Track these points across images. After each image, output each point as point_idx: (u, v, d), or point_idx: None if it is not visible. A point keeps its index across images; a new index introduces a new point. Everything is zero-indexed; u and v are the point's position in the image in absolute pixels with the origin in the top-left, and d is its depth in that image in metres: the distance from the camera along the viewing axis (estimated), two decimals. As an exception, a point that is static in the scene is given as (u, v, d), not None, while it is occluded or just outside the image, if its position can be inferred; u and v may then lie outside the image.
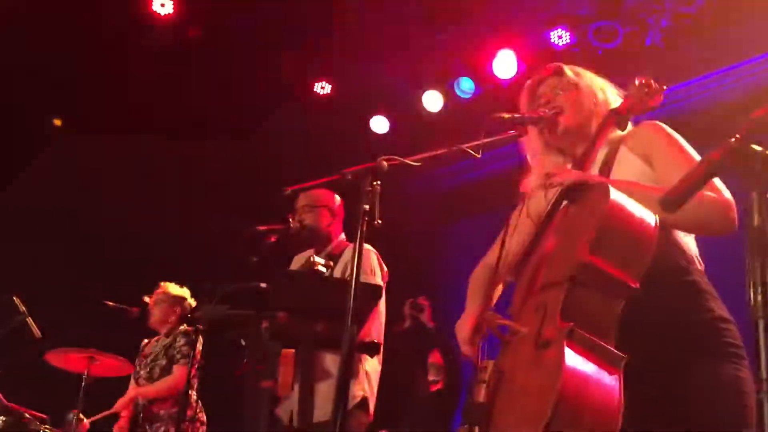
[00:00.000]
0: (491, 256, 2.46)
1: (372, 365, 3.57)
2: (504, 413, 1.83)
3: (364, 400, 3.44)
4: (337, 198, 3.90)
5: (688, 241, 2.06)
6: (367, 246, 3.35)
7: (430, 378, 6.21)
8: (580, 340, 1.70)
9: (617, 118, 2.15)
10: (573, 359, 1.66)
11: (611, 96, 2.26)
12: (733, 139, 1.04)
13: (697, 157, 1.95)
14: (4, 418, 4.16)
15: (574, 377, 1.64)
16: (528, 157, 2.37)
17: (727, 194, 1.95)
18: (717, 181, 1.96)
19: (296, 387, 3.30)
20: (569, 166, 2.24)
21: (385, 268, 3.68)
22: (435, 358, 6.18)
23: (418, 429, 5.99)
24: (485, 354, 2.03)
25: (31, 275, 5.69)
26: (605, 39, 5.55)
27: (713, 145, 1.19)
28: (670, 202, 1.17)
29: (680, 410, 1.82)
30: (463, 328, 2.21)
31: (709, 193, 1.93)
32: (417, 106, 6.62)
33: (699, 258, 2.06)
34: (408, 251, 6.56)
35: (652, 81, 2.09)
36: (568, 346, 1.67)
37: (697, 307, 1.93)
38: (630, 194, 1.87)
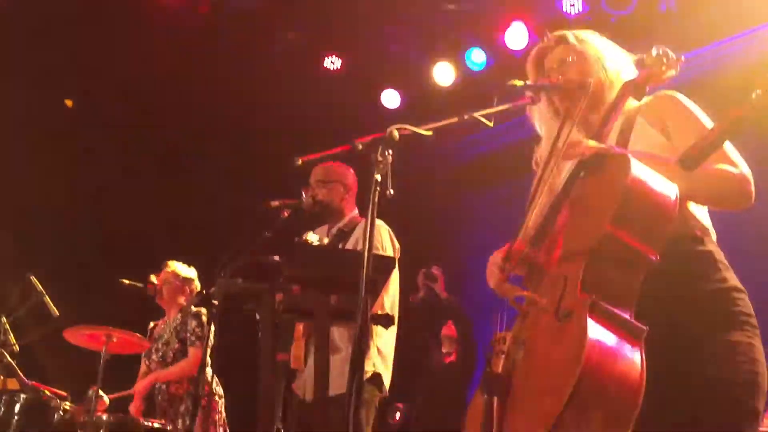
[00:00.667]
0: None
1: (385, 341, 3.57)
2: (524, 384, 1.83)
3: (376, 376, 3.45)
4: (351, 172, 3.88)
5: (702, 213, 2.05)
6: (379, 221, 3.35)
7: (444, 350, 6.22)
8: (602, 312, 1.70)
9: (634, 88, 2.12)
10: (596, 331, 1.66)
11: (621, 60, 2.23)
12: (755, 95, 1.01)
13: None
14: (24, 396, 4.21)
15: (597, 349, 1.64)
16: (537, 126, 2.35)
17: (745, 168, 1.94)
18: (735, 155, 1.95)
19: (310, 362, 3.32)
20: (584, 137, 2.21)
21: (397, 245, 3.66)
22: (448, 329, 6.18)
23: (432, 401, 6.01)
24: (503, 325, 2.02)
25: (47, 254, 5.73)
26: (618, 6, 5.48)
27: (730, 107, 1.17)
28: (691, 159, 1.15)
29: (693, 378, 1.83)
30: (491, 263, 2.15)
31: (728, 166, 1.92)
32: (428, 79, 6.58)
33: (713, 229, 2.05)
34: (421, 223, 6.57)
35: (669, 51, 2.05)
36: (590, 318, 1.67)
37: (710, 277, 1.94)
38: (648, 165, 1.86)
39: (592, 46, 2.24)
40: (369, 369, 3.43)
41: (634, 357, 1.67)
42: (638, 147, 2.02)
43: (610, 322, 1.70)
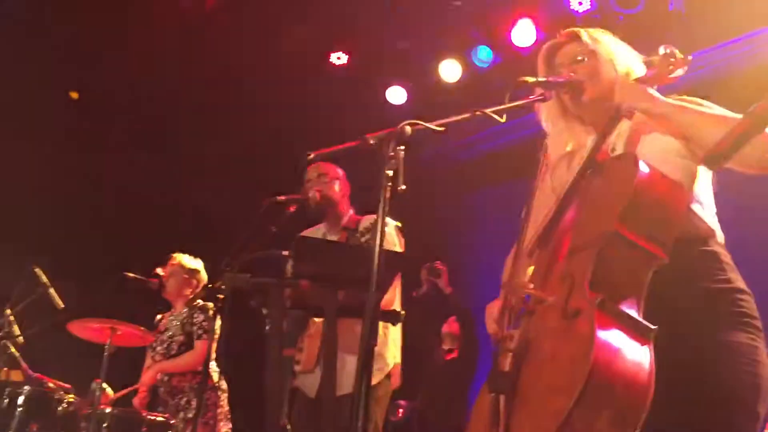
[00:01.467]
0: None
1: (396, 334, 3.60)
2: (531, 382, 1.82)
3: (396, 368, 3.49)
4: (344, 172, 3.92)
5: (708, 214, 2.04)
6: (389, 219, 3.35)
7: (445, 347, 6.21)
8: (610, 311, 1.70)
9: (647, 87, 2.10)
10: (604, 330, 1.66)
11: (632, 61, 2.21)
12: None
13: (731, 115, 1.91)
14: (28, 387, 4.21)
15: (606, 348, 1.63)
16: (545, 125, 2.33)
17: None
18: None
19: (321, 361, 3.32)
20: (590, 138, 2.21)
21: (403, 241, 3.67)
22: (449, 327, 6.17)
23: (433, 398, 6.01)
24: (510, 323, 2.01)
25: (52, 246, 5.73)
26: (626, 4, 5.45)
27: (744, 110, 1.16)
28: (717, 157, 1.13)
29: (693, 379, 1.81)
30: (489, 311, 2.20)
31: None
32: (434, 76, 6.56)
33: (720, 231, 2.04)
34: (425, 218, 6.56)
35: (677, 51, 2.03)
36: (599, 316, 1.67)
37: (714, 277, 1.93)
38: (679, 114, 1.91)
39: (605, 46, 2.22)
40: (390, 362, 3.46)
41: (642, 356, 1.66)
42: (648, 147, 2.01)
43: (619, 320, 1.70)
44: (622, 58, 2.20)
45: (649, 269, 1.79)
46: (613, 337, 1.66)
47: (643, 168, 1.84)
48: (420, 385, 6.15)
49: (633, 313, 1.73)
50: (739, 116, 1.89)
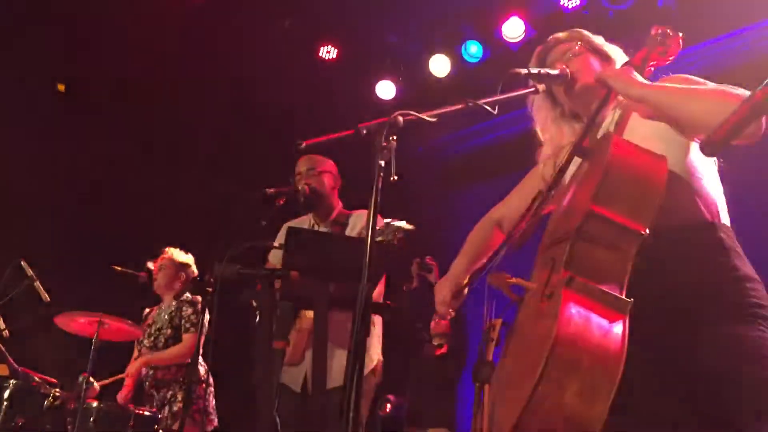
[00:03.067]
0: (496, 211, 2.46)
1: (379, 330, 3.59)
2: (512, 368, 1.84)
3: (379, 364, 3.47)
4: (331, 162, 3.91)
5: (715, 193, 1.98)
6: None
7: (435, 342, 6.19)
8: (579, 287, 1.69)
9: (632, 69, 2.09)
10: (569, 305, 1.65)
11: (623, 59, 2.22)
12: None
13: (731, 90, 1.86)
14: (14, 381, 4.18)
15: (570, 322, 1.63)
16: (535, 116, 2.33)
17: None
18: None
19: (307, 354, 3.31)
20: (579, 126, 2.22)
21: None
22: (437, 326, 6.14)
23: (422, 393, 6.00)
24: (493, 313, 2.02)
25: (38, 238, 5.68)
26: (616, 1, 5.46)
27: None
28: (713, 145, 1.12)
29: (692, 373, 1.76)
30: (443, 289, 2.29)
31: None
32: (424, 71, 6.55)
33: (726, 212, 1.98)
34: (417, 214, 6.55)
35: (669, 30, 2.01)
36: (565, 294, 1.67)
37: (721, 266, 1.85)
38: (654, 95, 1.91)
39: (597, 44, 2.24)
40: (375, 358, 3.45)
41: (612, 329, 1.65)
42: (637, 131, 2.00)
43: (588, 296, 1.68)
44: (615, 56, 2.21)
45: (631, 245, 1.75)
46: (579, 312, 1.65)
47: (618, 144, 1.83)
48: (408, 379, 6.13)
49: (611, 289, 1.70)
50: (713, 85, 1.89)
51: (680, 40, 1.99)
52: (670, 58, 2.02)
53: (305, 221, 3.83)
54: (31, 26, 6.01)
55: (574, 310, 1.65)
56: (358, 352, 1.82)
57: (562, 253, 1.78)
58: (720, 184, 2.03)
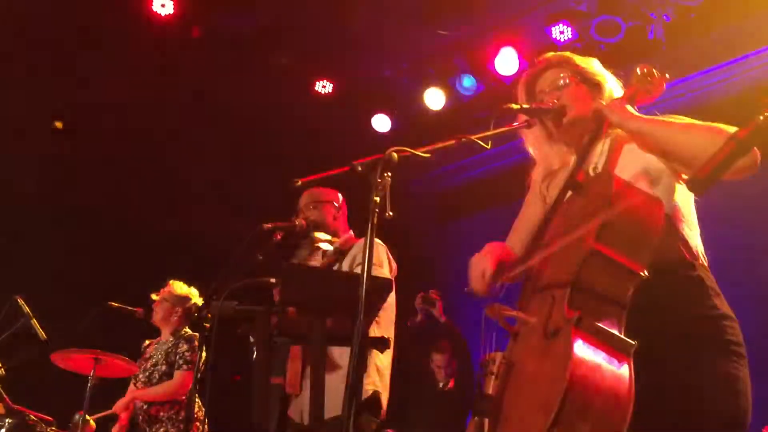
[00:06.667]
0: (510, 240, 2.44)
1: (383, 360, 3.55)
2: (513, 404, 1.83)
3: (376, 395, 3.42)
4: (340, 195, 3.91)
5: (693, 236, 2.04)
6: (376, 240, 3.34)
7: (440, 377, 6.12)
8: (588, 328, 1.69)
9: (627, 102, 2.11)
10: (581, 347, 1.66)
11: (613, 84, 2.25)
12: (762, 117, 1.02)
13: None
14: (9, 420, 4.14)
15: (583, 365, 1.63)
16: (531, 150, 2.35)
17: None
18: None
19: (305, 384, 3.28)
20: (572, 158, 2.24)
21: (394, 263, 3.66)
22: (441, 360, 6.07)
23: (429, 428, 5.93)
24: (493, 346, 2.02)
25: (35, 276, 5.67)
26: (607, 34, 5.54)
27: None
28: (698, 183, 1.15)
29: (676, 402, 1.81)
30: (481, 264, 2.10)
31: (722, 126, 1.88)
32: (419, 104, 6.62)
33: (704, 254, 2.04)
34: (416, 247, 6.57)
35: (654, 70, 2.05)
36: (575, 334, 1.67)
37: (701, 303, 1.92)
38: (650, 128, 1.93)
39: (584, 72, 2.26)
40: (369, 388, 3.41)
41: (621, 371, 1.66)
42: (627, 166, 2.03)
43: (596, 337, 1.69)
44: (602, 82, 2.24)
45: (630, 285, 1.78)
46: (591, 353, 1.66)
47: (618, 184, 1.85)
48: (415, 415, 6.06)
49: (613, 329, 1.72)
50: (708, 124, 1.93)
51: (665, 82, 2.03)
52: (654, 98, 2.05)
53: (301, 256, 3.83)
54: (32, 61, 6.06)
55: (585, 352, 1.65)
56: (354, 389, 1.82)
57: (562, 290, 1.79)
58: (697, 224, 2.08)
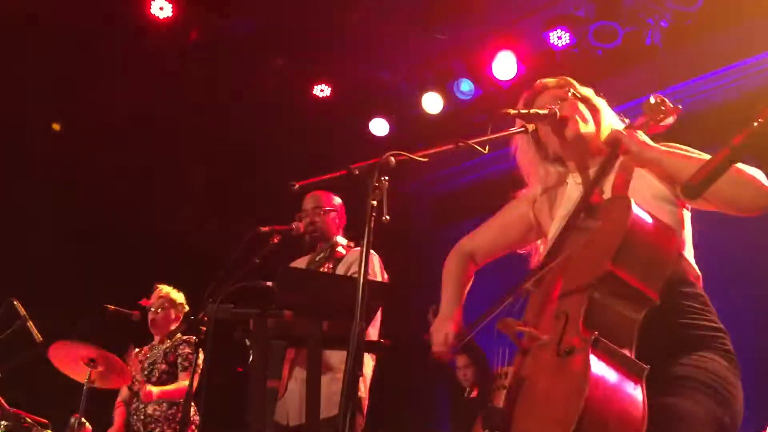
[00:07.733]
0: (467, 244, 2.46)
1: (367, 365, 3.56)
2: (524, 419, 1.84)
3: (359, 401, 3.43)
4: (341, 202, 3.93)
5: (691, 256, 2.09)
6: (371, 251, 3.34)
7: (465, 387, 6.08)
8: (604, 349, 1.72)
9: (640, 132, 2.12)
10: (598, 367, 1.68)
11: (614, 118, 2.27)
12: (756, 123, 1.03)
13: None
14: (5, 423, 4.13)
15: (600, 385, 1.66)
16: (521, 161, 2.36)
17: (758, 173, 1.95)
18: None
19: (289, 386, 3.30)
20: (570, 176, 2.24)
21: (386, 275, 3.67)
22: (463, 372, 6.02)
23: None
24: (504, 360, 2.02)
25: (31, 278, 5.66)
26: (605, 39, 5.55)
27: (719, 142, 1.18)
28: (692, 189, 1.15)
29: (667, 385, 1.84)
30: (443, 330, 2.24)
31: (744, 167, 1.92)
32: (417, 108, 6.62)
33: (700, 276, 2.09)
34: (414, 251, 6.56)
35: (667, 99, 2.07)
36: (593, 354, 1.70)
37: (702, 318, 1.98)
38: (668, 159, 1.96)
39: (588, 95, 2.28)
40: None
41: (635, 394, 1.69)
42: (637, 193, 2.04)
43: (612, 359, 1.72)
44: (606, 111, 2.26)
45: (642, 310, 1.81)
46: (607, 374, 1.69)
47: (637, 211, 1.88)
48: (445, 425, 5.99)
49: (625, 351, 1.75)
50: None
51: (678, 113, 2.04)
52: (667, 128, 2.07)
53: (303, 261, 3.84)
54: (29, 65, 6.07)
55: (602, 373, 1.68)
56: (350, 391, 1.82)
57: (576, 309, 1.81)
58: (692, 250, 2.12)
